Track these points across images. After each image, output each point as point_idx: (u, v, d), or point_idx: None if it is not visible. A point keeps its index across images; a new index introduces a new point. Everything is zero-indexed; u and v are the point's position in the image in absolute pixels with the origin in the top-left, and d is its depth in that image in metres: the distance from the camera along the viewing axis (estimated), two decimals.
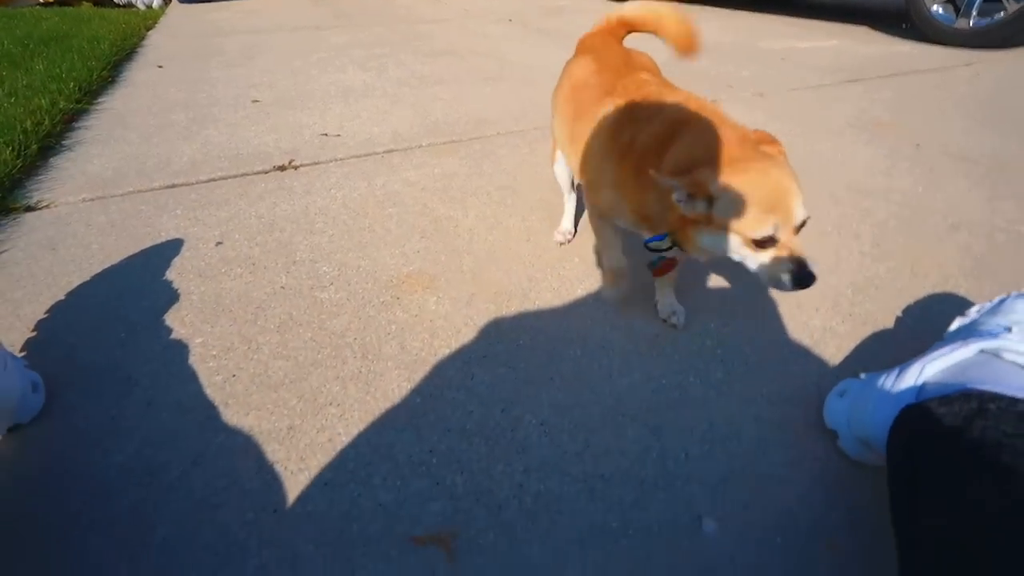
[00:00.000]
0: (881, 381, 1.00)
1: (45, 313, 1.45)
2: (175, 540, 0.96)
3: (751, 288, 1.57)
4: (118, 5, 6.58)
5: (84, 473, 1.07)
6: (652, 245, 1.20)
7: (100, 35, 4.30)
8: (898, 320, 1.46)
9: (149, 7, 6.53)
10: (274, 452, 1.10)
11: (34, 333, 1.39)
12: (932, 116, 2.87)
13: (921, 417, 0.83)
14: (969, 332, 0.98)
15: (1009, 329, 0.90)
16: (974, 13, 4.12)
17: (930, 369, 0.90)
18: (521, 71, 3.74)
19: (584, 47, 1.62)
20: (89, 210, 1.97)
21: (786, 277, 0.99)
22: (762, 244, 1.00)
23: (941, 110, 2.95)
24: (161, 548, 0.95)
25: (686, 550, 0.97)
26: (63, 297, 1.51)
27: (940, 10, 4.32)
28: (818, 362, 1.33)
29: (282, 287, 1.55)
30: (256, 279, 1.58)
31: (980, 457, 0.72)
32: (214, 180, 2.16)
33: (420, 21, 5.83)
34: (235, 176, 2.20)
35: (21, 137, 2.30)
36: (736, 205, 1.00)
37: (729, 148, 1.05)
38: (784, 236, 0.99)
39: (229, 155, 2.37)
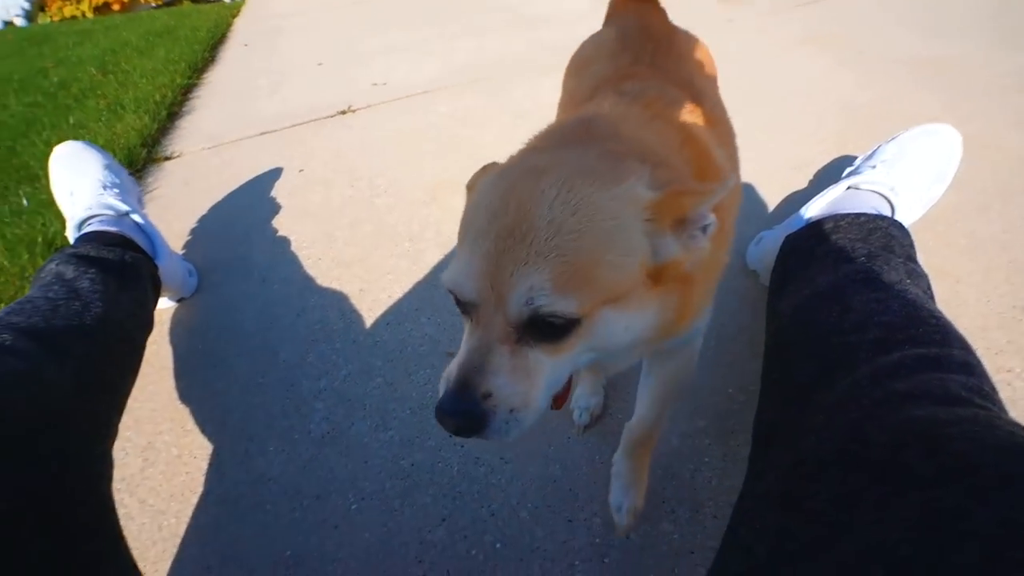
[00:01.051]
0: (783, 227, 1.03)
1: (191, 227, 1.60)
2: (290, 361, 1.12)
3: None
4: (210, 0, 6.42)
5: (230, 323, 1.23)
6: None
7: (199, 25, 4.25)
8: (811, 183, 1.46)
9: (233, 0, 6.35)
10: (351, 306, 1.24)
11: (189, 237, 1.54)
12: (875, 26, 2.62)
13: (794, 239, 0.86)
14: (852, 175, 0.98)
15: (874, 167, 0.91)
16: None
17: (812, 208, 0.92)
18: (535, 20, 3.55)
19: (615, 9, 1.04)
20: (207, 156, 2.08)
21: (441, 384, 0.47)
22: (457, 301, 0.52)
23: (883, 21, 2.68)
24: (282, 366, 1.11)
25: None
26: (200, 215, 1.65)
27: None
28: (755, 225, 1.35)
29: (349, 196, 1.64)
30: (330, 193, 1.68)
31: (829, 256, 0.76)
32: (294, 126, 2.22)
33: None
34: (308, 121, 2.25)
35: (154, 108, 2.39)
36: (466, 207, 0.56)
37: None
38: (484, 315, 0.46)
39: (303, 106, 2.41)
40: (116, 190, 1.21)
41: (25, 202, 1.68)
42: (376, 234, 1.45)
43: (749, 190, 1.47)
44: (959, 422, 0.38)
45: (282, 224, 1.55)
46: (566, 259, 0.41)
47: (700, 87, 0.76)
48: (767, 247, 1.04)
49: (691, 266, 0.47)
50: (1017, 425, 0.40)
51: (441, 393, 0.44)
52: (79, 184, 1.21)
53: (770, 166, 1.54)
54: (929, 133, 0.97)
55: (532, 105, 2.12)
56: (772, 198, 1.43)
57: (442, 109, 2.20)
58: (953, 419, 0.39)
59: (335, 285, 1.29)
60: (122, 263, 1.00)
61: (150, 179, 1.94)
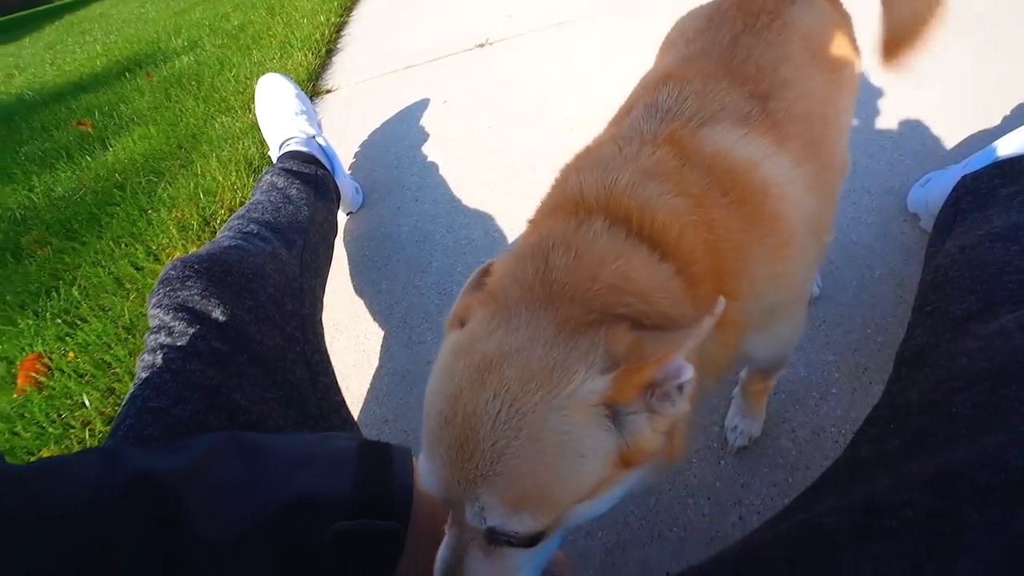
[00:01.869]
0: (960, 167, 0.93)
1: (353, 152, 1.82)
2: (442, 269, 1.29)
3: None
4: None
5: (390, 234, 1.43)
6: None
7: None
8: (1006, 119, 1.25)
9: None
10: (494, 226, 1.37)
11: (353, 160, 1.77)
12: None
13: (973, 178, 0.79)
14: None
15: None
16: None
17: (1003, 146, 0.82)
18: None
19: None
20: (361, 89, 2.30)
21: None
22: None
23: None
24: (435, 272, 1.29)
25: None
26: (359, 142, 1.87)
27: None
28: (924, 166, 1.22)
29: (489, 126, 1.74)
30: (471, 123, 1.79)
31: (1016, 197, 0.69)
32: (436, 59, 2.35)
33: None
34: (449, 55, 2.36)
35: (315, 46, 2.66)
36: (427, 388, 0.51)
37: None
38: (455, 514, 0.45)
39: (442, 40, 2.52)
40: (305, 116, 1.43)
41: (228, 129, 2.02)
42: (516, 162, 1.55)
43: (918, 124, 1.32)
44: None
45: (430, 151, 1.71)
46: (515, 482, 0.38)
47: (785, 88, 0.58)
48: (936, 189, 0.95)
49: (669, 425, 0.41)
50: None
51: None
52: (277, 110, 1.45)
53: (954, 97, 1.35)
54: None
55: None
56: (952, 135, 1.27)
57: (579, 41, 2.17)
58: None
59: (479, 206, 1.43)
60: (316, 177, 1.21)
61: (316, 109, 2.21)
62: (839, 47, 0.69)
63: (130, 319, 1.29)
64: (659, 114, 0.55)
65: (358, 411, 1.05)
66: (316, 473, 0.46)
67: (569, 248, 0.44)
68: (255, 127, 1.98)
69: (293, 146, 1.32)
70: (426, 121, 1.88)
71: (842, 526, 0.35)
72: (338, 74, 2.52)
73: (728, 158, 0.50)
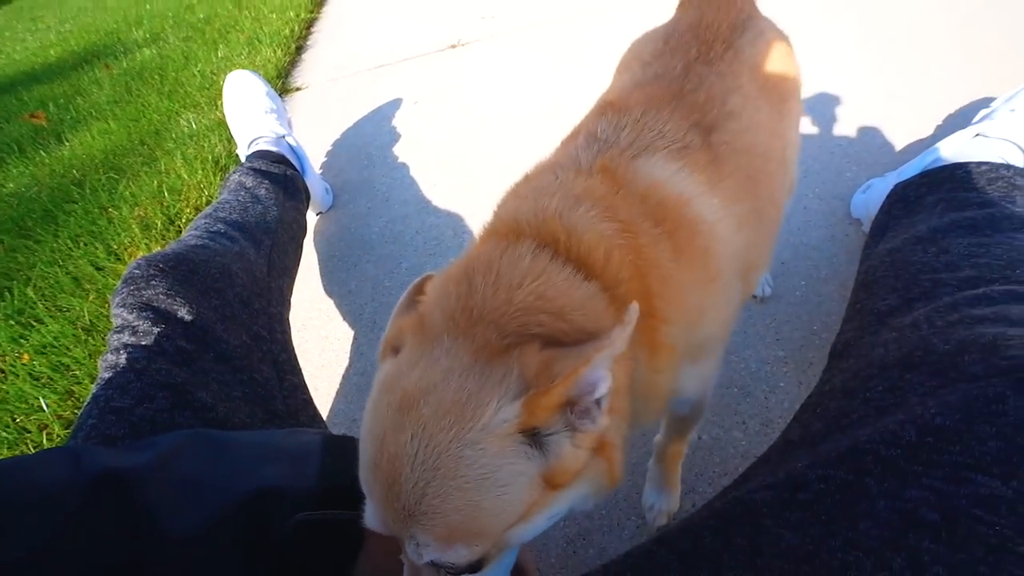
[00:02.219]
0: (895, 174, 1.00)
1: (323, 151, 1.81)
2: (412, 269, 1.31)
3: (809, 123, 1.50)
4: None
5: (360, 235, 1.44)
6: None
7: None
8: (939, 128, 1.35)
9: None
10: (463, 226, 1.39)
11: (324, 159, 1.76)
12: None
13: (904, 186, 0.85)
14: (984, 119, 0.92)
15: (1012, 110, 0.85)
16: None
17: (930, 155, 0.89)
18: None
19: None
20: (332, 87, 2.28)
21: None
22: None
23: None
24: (405, 272, 1.30)
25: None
26: (330, 141, 1.86)
27: None
28: (865, 173, 1.30)
29: (462, 128, 1.76)
30: (443, 124, 1.81)
31: (938, 204, 0.75)
32: (408, 59, 2.35)
33: None
34: (421, 55, 2.36)
35: (284, 42, 2.63)
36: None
37: None
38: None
39: (414, 40, 2.52)
40: (275, 115, 1.42)
41: (193, 126, 1.98)
42: (487, 164, 1.57)
43: (865, 133, 1.40)
44: (1022, 337, 0.43)
45: (401, 151, 1.71)
46: (441, 519, 0.38)
47: (731, 120, 0.59)
48: (874, 195, 1.02)
49: (594, 441, 0.41)
50: None
51: None
52: (247, 108, 1.43)
53: (894, 109, 1.44)
54: None
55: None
56: (893, 143, 1.36)
57: (549, 42, 2.21)
58: (1002, 336, 0.44)
59: (449, 208, 1.45)
60: (285, 177, 1.21)
61: (286, 107, 2.18)
62: (786, 78, 0.71)
63: (90, 320, 1.26)
64: (597, 144, 0.55)
65: (327, 411, 1.06)
66: (281, 466, 0.47)
67: (491, 271, 0.43)
68: (222, 124, 1.94)
69: (262, 145, 1.32)
70: (397, 121, 1.88)
71: (766, 500, 0.39)
72: (308, 71, 2.49)
73: (660, 191, 0.50)
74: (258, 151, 1.30)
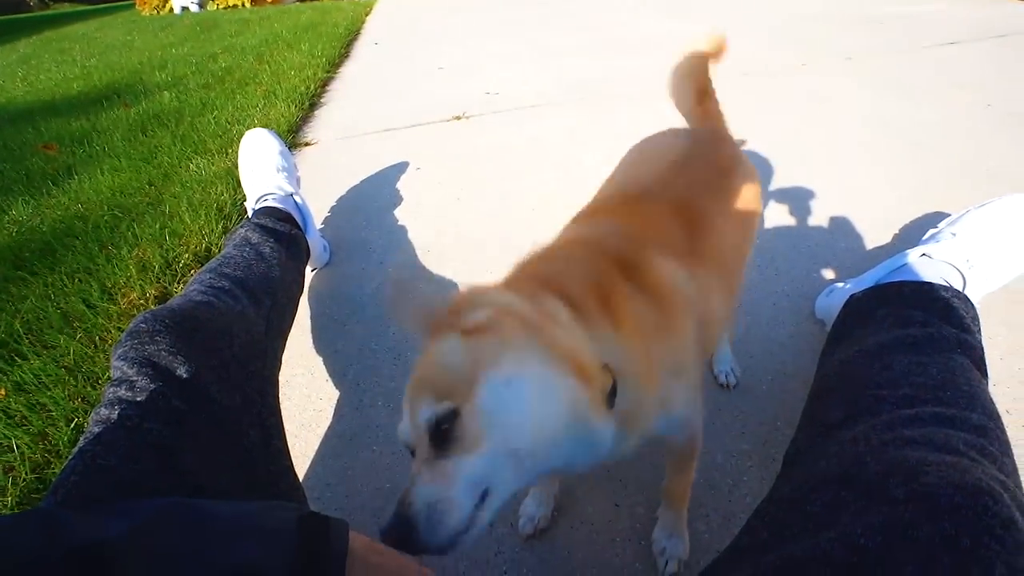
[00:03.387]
0: (854, 282, 1.08)
1: (326, 207, 1.89)
2: (399, 335, 1.34)
3: (784, 224, 1.62)
4: None
5: (351, 295, 1.48)
6: None
7: (338, 22, 4.74)
8: (896, 237, 1.46)
9: None
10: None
11: (327, 214, 1.83)
12: (1016, 78, 2.45)
13: (857, 299, 0.93)
14: (931, 239, 1.02)
15: (954, 235, 0.95)
16: None
17: (882, 270, 0.97)
18: (643, 42, 3.63)
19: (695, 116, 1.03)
20: (339, 146, 2.40)
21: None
22: None
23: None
24: (392, 338, 1.34)
25: (704, 378, 1.17)
26: (333, 198, 1.94)
27: None
28: (831, 275, 1.40)
29: (458, 198, 1.85)
30: (442, 193, 1.90)
31: (887, 320, 0.82)
32: (414, 126, 2.49)
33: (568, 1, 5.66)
34: (426, 123, 2.51)
35: (299, 98, 2.77)
36: None
37: None
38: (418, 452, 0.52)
39: (422, 108, 2.68)
40: (285, 173, 1.50)
41: (203, 172, 2.05)
42: (481, 237, 1.65)
43: (832, 238, 1.51)
44: (940, 464, 0.48)
45: (399, 215, 1.79)
46: (428, 383, 0.52)
47: (713, 234, 0.78)
48: (835, 300, 1.10)
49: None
50: (994, 476, 0.48)
51: None
52: (260, 164, 1.51)
53: (859, 217, 1.56)
54: (1019, 203, 0.98)
55: (634, 128, 2.24)
56: (854, 249, 1.46)
57: (549, 124, 2.37)
58: (938, 461, 0.48)
59: (442, 274, 1.50)
60: (290, 236, 1.26)
61: (295, 161, 2.28)
62: (755, 211, 0.91)
63: (75, 360, 1.26)
64: (615, 235, 0.71)
65: (303, 471, 1.06)
66: (256, 544, 0.48)
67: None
68: (230, 173, 2.02)
69: (270, 202, 1.38)
70: (399, 185, 1.98)
71: None
72: (319, 128, 2.62)
73: (650, 269, 0.66)
74: (266, 207, 1.35)
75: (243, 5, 6.75)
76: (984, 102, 2.19)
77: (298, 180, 1.60)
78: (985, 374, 0.75)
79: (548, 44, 3.68)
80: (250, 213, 1.41)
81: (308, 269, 1.54)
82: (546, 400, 0.50)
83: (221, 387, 0.73)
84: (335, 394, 1.21)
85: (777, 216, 1.62)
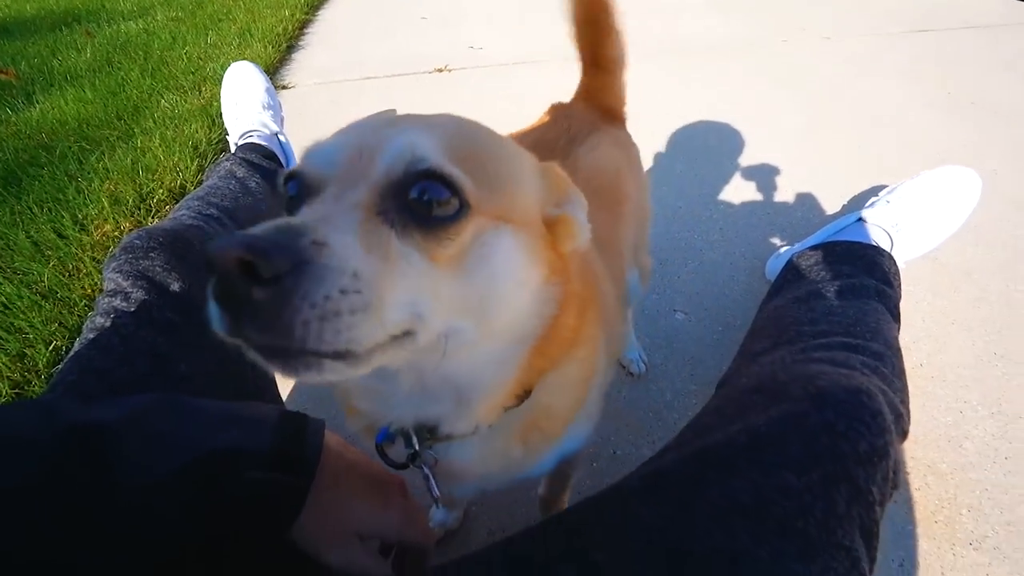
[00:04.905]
0: (799, 245, 1.19)
1: (303, 150, 1.87)
2: None
3: (744, 189, 1.71)
4: None
5: None
6: (382, 447, 0.55)
7: None
8: (844, 207, 1.58)
9: None
10: None
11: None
12: (978, 69, 2.57)
13: (797, 256, 1.03)
14: (870, 207, 1.12)
15: (888, 203, 1.05)
16: None
17: (822, 233, 1.08)
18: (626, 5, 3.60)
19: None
20: (318, 91, 2.36)
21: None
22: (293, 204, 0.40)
23: (991, 64, 2.61)
24: None
25: (661, 325, 1.27)
26: (309, 142, 1.92)
27: None
28: (785, 238, 1.50)
29: None
30: None
31: (819, 272, 0.92)
32: (395, 76, 2.46)
33: None
34: (408, 74, 2.48)
35: (276, 39, 2.68)
36: None
37: None
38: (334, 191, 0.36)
39: (404, 57, 2.63)
40: (271, 111, 1.49)
41: (176, 109, 2.00)
42: None
43: (788, 207, 1.61)
44: (835, 373, 0.57)
45: None
46: (463, 137, 0.37)
47: None
48: (781, 262, 1.20)
49: (574, 250, 0.45)
50: (876, 384, 0.59)
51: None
52: (245, 99, 1.48)
53: (818, 188, 1.67)
54: (949, 176, 1.08)
55: None
56: (807, 219, 1.57)
57: (532, 81, 2.37)
58: (833, 372, 0.58)
59: None
60: (275, 173, 1.27)
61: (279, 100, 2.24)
62: (619, 186, 0.80)
63: (49, 287, 1.27)
64: None
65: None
66: (239, 431, 0.50)
67: None
68: (204, 111, 1.98)
69: (255, 139, 1.37)
70: None
71: (635, 487, 0.51)
72: (296, 71, 2.55)
73: None
74: (250, 143, 1.35)
75: None
76: (946, 89, 2.31)
77: (282, 120, 1.59)
78: (897, 320, 0.86)
79: (536, 1, 3.62)
80: (233, 147, 1.41)
81: None
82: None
83: None
84: None
85: (744, 189, 1.71)
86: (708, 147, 1.90)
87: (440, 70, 2.51)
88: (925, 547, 0.87)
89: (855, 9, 3.49)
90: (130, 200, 1.52)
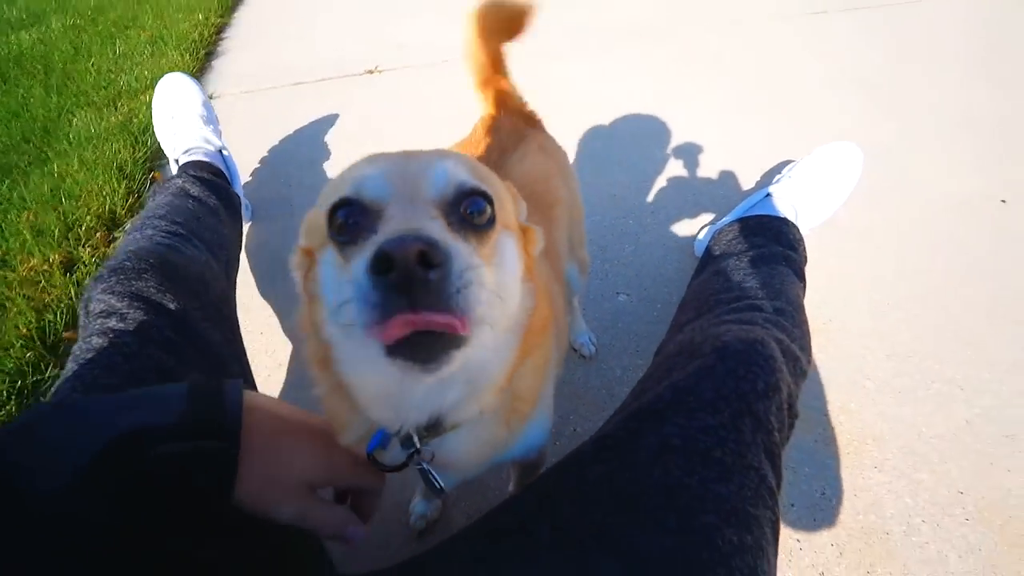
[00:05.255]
0: (721, 222, 1.32)
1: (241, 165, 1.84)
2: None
3: (672, 194, 1.85)
4: None
5: (277, 250, 1.51)
6: (373, 455, 0.55)
7: None
8: (758, 183, 1.75)
9: None
10: None
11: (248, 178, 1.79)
12: (868, 47, 2.85)
13: (717, 233, 1.16)
14: (776, 182, 1.27)
15: (790, 177, 1.20)
16: None
17: (737, 210, 1.21)
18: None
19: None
20: (245, 100, 2.29)
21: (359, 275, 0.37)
22: (349, 231, 0.44)
23: (879, 42, 2.91)
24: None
25: (606, 308, 1.37)
26: (244, 155, 1.89)
27: None
28: (712, 215, 1.65)
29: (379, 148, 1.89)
30: (359, 148, 1.91)
31: (734, 245, 1.05)
32: (325, 80, 2.42)
33: None
34: (339, 77, 2.45)
35: (194, 45, 2.56)
36: (318, 202, 0.52)
37: None
38: (396, 212, 0.42)
39: (332, 60, 2.59)
40: (211, 126, 1.46)
41: (91, 128, 1.90)
42: None
43: (712, 186, 1.76)
44: (738, 329, 0.68)
45: (319, 172, 1.80)
46: (474, 164, 0.47)
47: None
48: (707, 239, 1.33)
49: (534, 257, 0.53)
50: (773, 334, 0.71)
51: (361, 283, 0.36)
52: (182, 113, 1.44)
53: (735, 167, 1.83)
54: (835, 151, 1.24)
55: (540, 83, 2.35)
56: (728, 196, 1.72)
57: (462, 79, 2.41)
58: (737, 328, 0.69)
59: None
60: (227, 191, 1.26)
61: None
62: (551, 191, 0.87)
63: None
64: None
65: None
66: (142, 411, 0.46)
67: None
68: (125, 128, 1.89)
69: (199, 156, 1.34)
70: (316, 143, 1.96)
71: (588, 450, 0.59)
72: (219, 80, 2.46)
73: None
74: (195, 161, 1.32)
75: None
76: (839, 68, 2.55)
77: (216, 120, 1.55)
78: (802, 279, 1.00)
79: None
80: (174, 164, 1.37)
81: None
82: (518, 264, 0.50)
83: (206, 325, 0.78)
84: (277, 338, 1.28)
85: (671, 171, 1.84)
86: (635, 133, 2.02)
87: (371, 71, 2.50)
88: (840, 475, 1.02)
89: None
90: (55, 230, 1.45)
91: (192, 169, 1.28)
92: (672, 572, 0.47)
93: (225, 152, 1.42)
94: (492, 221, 0.45)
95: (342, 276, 0.42)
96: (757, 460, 0.55)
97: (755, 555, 0.49)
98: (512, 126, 0.94)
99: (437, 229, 0.39)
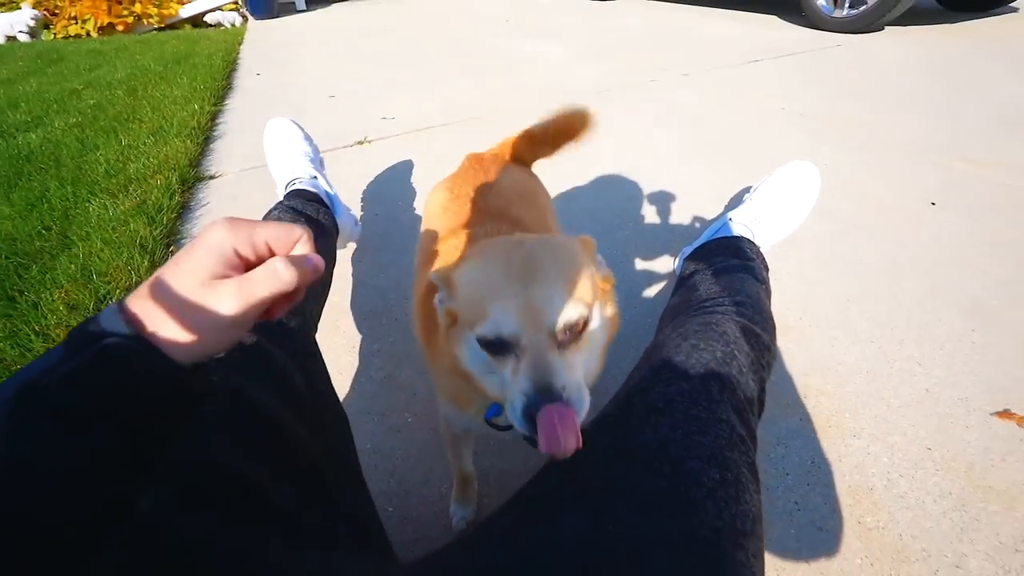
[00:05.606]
0: (692, 246, 1.52)
1: None
2: (349, 331, 1.54)
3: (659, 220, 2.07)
4: (209, 25, 6.74)
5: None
6: (492, 420, 0.78)
7: (212, 52, 4.62)
8: (725, 207, 1.97)
9: (233, 25, 6.70)
10: (389, 295, 1.66)
11: None
12: (800, 86, 3.24)
13: (690, 255, 1.34)
14: (736, 206, 1.47)
15: (750, 200, 1.40)
16: (847, 4, 4.23)
17: (707, 233, 1.40)
18: (520, 64, 4.08)
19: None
20: (248, 176, 2.48)
21: (517, 403, 0.58)
22: (496, 349, 0.61)
23: (808, 81, 3.30)
24: (343, 334, 1.53)
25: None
26: None
27: (823, 2, 4.41)
28: (689, 240, 1.85)
29: (375, 216, 2.07)
30: (356, 209, 2.11)
31: (702, 263, 1.23)
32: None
33: (448, 28, 6.03)
34: (331, 150, 2.67)
35: (193, 132, 2.78)
36: (463, 288, 0.66)
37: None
38: (528, 341, 0.59)
39: (323, 135, 2.80)
40: (309, 158, 1.63)
41: (110, 212, 2.05)
42: (403, 248, 1.89)
43: (685, 217, 1.98)
44: (698, 319, 0.83)
45: None
46: (569, 276, 0.62)
47: (519, 208, 1.07)
48: (679, 267, 1.52)
49: (605, 291, 0.72)
50: (735, 320, 0.86)
51: (519, 410, 0.58)
52: (286, 150, 1.63)
53: (704, 200, 2.06)
54: (792, 171, 1.42)
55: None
56: (701, 225, 1.94)
57: (445, 143, 2.66)
58: (697, 319, 0.84)
59: (375, 281, 1.72)
60: (318, 215, 1.37)
61: (201, 195, 2.33)
62: (536, 194, 1.20)
63: None
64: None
65: None
66: (24, 371, 0.42)
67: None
68: (140, 209, 2.05)
69: (299, 185, 1.48)
70: None
71: (592, 428, 0.71)
72: (221, 161, 2.66)
73: None
74: (295, 190, 1.45)
75: (88, 34, 6.18)
76: (779, 106, 2.89)
77: (322, 161, 1.73)
78: (763, 283, 1.16)
79: (431, 70, 3.99)
80: (280, 196, 1.50)
81: (343, 244, 1.64)
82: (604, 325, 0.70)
83: (270, 339, 0.84)
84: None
85: (648, 210, 2.06)
86: (613, 179, 2.27)
87: (361, 143, 2.74)
88: (825, 446, 1.16)
89: (702, 49, 4.20)
90: (89, 304, 1.57)
91: (288, 199, 1.40)
92: (671, 507, 0.58)
93: (322, 180, 1.54)
94: (585, 324, 0.63)
95: (490, 369, 0.65)
96: (726, 414, 0.67)
97: (735, 487, 0.60)
98: (495, 159, 1.23)
99: (559, 371, 0.58)
